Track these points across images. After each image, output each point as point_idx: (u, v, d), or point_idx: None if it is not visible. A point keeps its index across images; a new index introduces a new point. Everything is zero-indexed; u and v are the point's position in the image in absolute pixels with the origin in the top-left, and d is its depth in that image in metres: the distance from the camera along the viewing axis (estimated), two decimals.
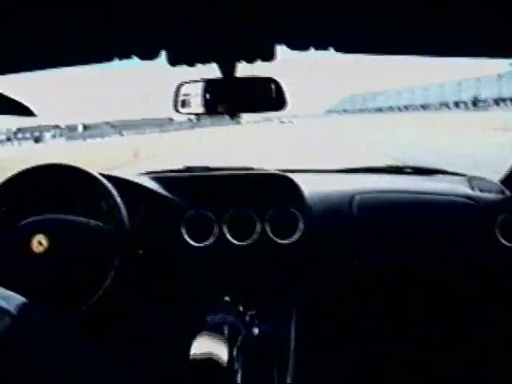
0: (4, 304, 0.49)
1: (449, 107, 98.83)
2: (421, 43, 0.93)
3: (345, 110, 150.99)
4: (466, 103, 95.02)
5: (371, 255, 1.46)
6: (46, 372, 0.49)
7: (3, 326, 0.47)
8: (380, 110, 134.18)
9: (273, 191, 1.50)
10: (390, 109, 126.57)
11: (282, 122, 75.31)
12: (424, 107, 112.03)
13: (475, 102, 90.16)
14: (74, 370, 0.54)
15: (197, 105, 1.11)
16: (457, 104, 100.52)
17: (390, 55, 0.97)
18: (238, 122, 78.50)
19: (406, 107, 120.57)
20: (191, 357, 1.01)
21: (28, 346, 0.49)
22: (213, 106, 1.11)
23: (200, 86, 1.09)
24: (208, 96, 1.10)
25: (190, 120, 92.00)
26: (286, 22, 0.81)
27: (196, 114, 1.16)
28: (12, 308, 0.49)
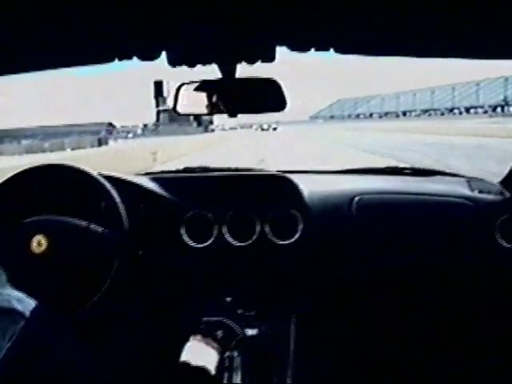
0: (19, 307, 0.52)
1: (461, 112, 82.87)
2: (422, 44, 0.93)
3: (332, 117, 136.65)
4: (482, 107, 79.29)
5: (371, 256, 1.46)
6: (55, 371, 0.52)
7: (18, 327, 0.50)
8: (372, 115, 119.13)
9: (272, 192, 1.49)
10: (385, 115, 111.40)
11: (263, 129, 60.75)
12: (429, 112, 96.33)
13: (495, 107, 74.61)
14: (80, 369, 0.57)
15: (197, 105, 1.12)
16: (468, 109, 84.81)
17: (390, 56, 0.97)
18: (207, 129, 61.91)
19: (405, 113, 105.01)
20: (181, 362, 1.02)
21: (39, 347, 0.52)
22: (213, 106, 1.11)
23: (200, 87, 1.10)
24: (208, 97, 1.10)
25: (145, 126, 74.42)
26: (287, 23, 0.81)
27: (196, 115, 1.21)
28: (27, 311, 0.52)
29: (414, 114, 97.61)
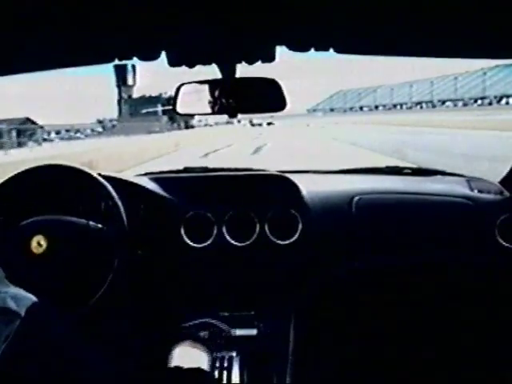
0: (14, 306, 0.51)
1: (490, 102, 69.10)
2: (420, 43, 0.93)
3: (332, 109, 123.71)
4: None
5: (370, 256, 1.47)
6: (52, 371, 0.52)
7: (13, 327, 0.49)
8: (377, 108, 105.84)
9: (272, 192, 1.50)
10: (394, 107, 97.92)
11: (255, 125, 47.65)
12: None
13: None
14: (79, 369, 0.57)
15: (197, 106, 1.12)
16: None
17: (389, 56, 0.98)
18: (181, 126, 48.20)
19: (419, 103, 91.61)
20: (174, 366, 1.01)
21: (36, 347, 0.51)
22: (213, 107, 1.12)
23: (200, 87, 1.11)
24: (208, 97, 1.11)
25: (100, 123, 60.78)
26: (287, 23, 0.82)
27: (194, 115, 1.15)
28: (22, 310, 0.51)
29: (430, 104, 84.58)
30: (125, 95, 64.18)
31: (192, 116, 65.53)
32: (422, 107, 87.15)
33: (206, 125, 65.72)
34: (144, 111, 58.97)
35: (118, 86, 65.99)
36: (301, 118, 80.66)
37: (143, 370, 1.16)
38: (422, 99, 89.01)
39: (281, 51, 0.91)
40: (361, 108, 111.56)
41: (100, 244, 1.17)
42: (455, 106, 77.64)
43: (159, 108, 56.38)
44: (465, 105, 74.98)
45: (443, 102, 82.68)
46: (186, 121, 55.76)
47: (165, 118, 56.40)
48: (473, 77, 79.96)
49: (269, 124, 52.36)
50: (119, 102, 63.97)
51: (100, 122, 60.31)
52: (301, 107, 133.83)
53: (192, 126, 53.15)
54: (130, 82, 65.44)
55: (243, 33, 0.85)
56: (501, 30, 0.81)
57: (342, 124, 43.85)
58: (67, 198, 1.28)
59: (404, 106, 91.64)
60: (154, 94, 61.34)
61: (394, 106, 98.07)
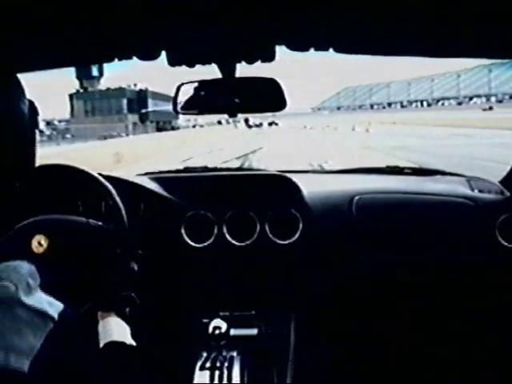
0: (50, 309, 0.57)
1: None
2: (420, 43, 0.94)
3: (339, 107, 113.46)
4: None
5: (370, 256, 1.47)
6: (78, 371, 0.56)
7: (48, 329, 0.54)
8: (390, 105, 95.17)
9: (273, 192, 1.50)
10: (410, 104, 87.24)
11: (252, 126, 37.30)
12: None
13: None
14: (98, 370, 0.61)
15: (197, 105, 1.12)
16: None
17: (389, 56, 0.98)
18: (171, 128, 37.98)
19: (439, 100, 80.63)
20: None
21: (64, 346, 0.56)
22: (213, 106, 1.13)
23: (200, 87, 1.11)
24: (208, 97, 1.11)
25: (48, 124, 49.90)
26: (286, 23, 0.82)
27: (195, 114, 1.17)
28: (56, 313, 0.57)
29: (453, 101, 73.91)
30: (81, 89, 52.45)
31: (177, 115, 54.77)
32: (443, 104, 76.32)
33: (194, 126, 55.05)
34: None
35: (79, 78, 53.97)
36: (306, 118, 70.05)
37: (142, 368, 1.12)
38: (445, 95, 78.36)
39: (281, 49, 0.91)
40: (371, 106, 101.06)
41: (100, 244, 1.17)
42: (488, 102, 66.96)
43: (124, 105, 45.46)
44: (499, 101, 64.19)
45: (470, 98, 71.93)
46: (157, 121, 44.95)
47: (131, 118, 45.04)
48: (501, 69, 69.23)
49: (270, 124, 42.01)
50: (71, 97, 50.96)
51: (48, 123, 49.38)
52: (304, 105, 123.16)
53: (173, 128, 42.84)
54: (94, 72, 53.74)
55: (243, 33, 0.85)
56: (501, 30, 0.81)
57: (375, 127, 29.09)
58: (68, 198, 1.28)
59: (425, 103, 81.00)
60: (123, 86, 49.88)
61: (410, 102, 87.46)
